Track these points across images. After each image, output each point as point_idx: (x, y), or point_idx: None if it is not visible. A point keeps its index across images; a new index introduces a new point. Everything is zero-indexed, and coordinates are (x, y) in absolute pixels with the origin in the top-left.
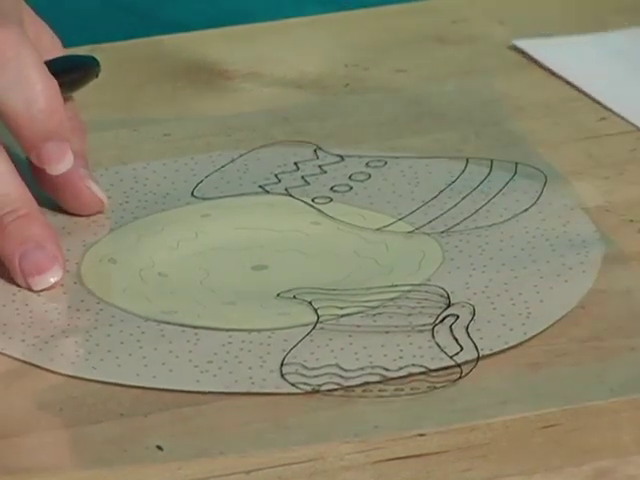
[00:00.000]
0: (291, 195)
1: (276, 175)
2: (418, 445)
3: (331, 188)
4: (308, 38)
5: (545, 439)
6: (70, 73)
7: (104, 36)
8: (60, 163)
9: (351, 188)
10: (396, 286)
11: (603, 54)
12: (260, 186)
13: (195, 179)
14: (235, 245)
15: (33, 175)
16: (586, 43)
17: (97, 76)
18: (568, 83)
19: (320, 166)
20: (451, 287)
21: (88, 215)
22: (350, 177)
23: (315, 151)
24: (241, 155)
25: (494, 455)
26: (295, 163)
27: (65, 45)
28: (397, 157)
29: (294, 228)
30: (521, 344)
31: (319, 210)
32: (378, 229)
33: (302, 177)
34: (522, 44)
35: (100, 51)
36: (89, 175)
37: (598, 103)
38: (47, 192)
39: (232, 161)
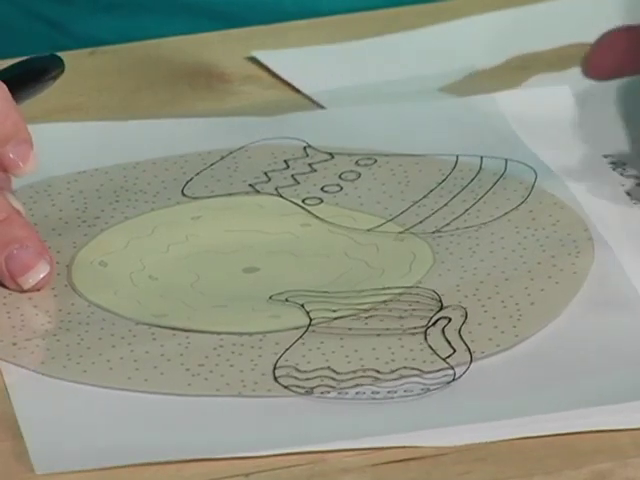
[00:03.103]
0: (281, 195)
1: (266, 173)
2: (417, 448)
3: (321, 188)
4: (307, 41)
5: (543, 442)
6: (23, 79)
7: (24, 49)
8: (25, 163)
9: (341, 188)
10: (388, 289)
11: (332, 64)
12: (250, 185)
13: (185, 177)
14: (226, 248)
15: None
16: (319, 53)
17: (62, 72)
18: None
19: (310, 164)
20: (442, 290)
21: None
22: (340, 176)
23: (305, 149)
24: (231, 152)
25: (493, 458)
26: (285, 161)
27: None
28: (387, 155)
29: (284, 230)
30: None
31: (309, 212)
32: (369, 230)
33: (292, 176)
34: (260, 55)
35: (99, 54)
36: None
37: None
38: None
39: (222, 159)
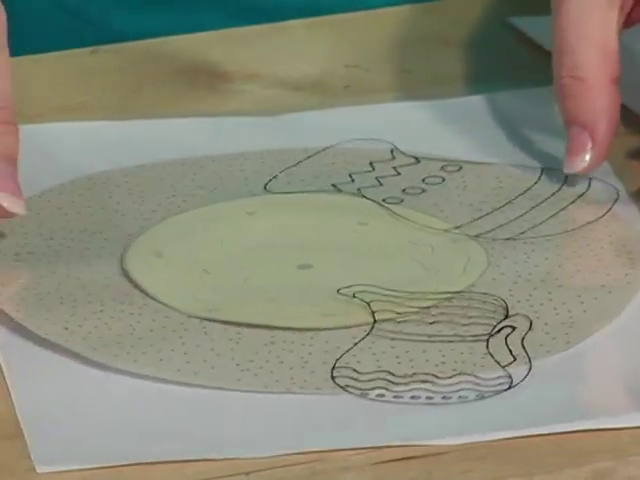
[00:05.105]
0: (364, 195)
1: (350, 175)
2: (418, 447)
3: (403, 190)
4: (308, 39)
5: (544, 440)
6: None
7: (55, 43)
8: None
9: (423, 191)
10: (458, 292)
11: None
12: (333, 185)
13: (243, 174)
14: (280, 243)
15: None
16: None
17: None
18: None
19: (395, 167)
20: (495, 294)
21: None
22: (424, 180)
23: (392, 152)
24: (317, 152)
25: (494, 456)
26: (371, 163)
27: (15, 52)
28: (473, 162)
29: (340, 228)
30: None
31: (389, 209)
32: (446, 230)
33: (376, 178)
34: (517, 22)
35: (100, 52)
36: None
37: None
38: None
39: (308, 157)
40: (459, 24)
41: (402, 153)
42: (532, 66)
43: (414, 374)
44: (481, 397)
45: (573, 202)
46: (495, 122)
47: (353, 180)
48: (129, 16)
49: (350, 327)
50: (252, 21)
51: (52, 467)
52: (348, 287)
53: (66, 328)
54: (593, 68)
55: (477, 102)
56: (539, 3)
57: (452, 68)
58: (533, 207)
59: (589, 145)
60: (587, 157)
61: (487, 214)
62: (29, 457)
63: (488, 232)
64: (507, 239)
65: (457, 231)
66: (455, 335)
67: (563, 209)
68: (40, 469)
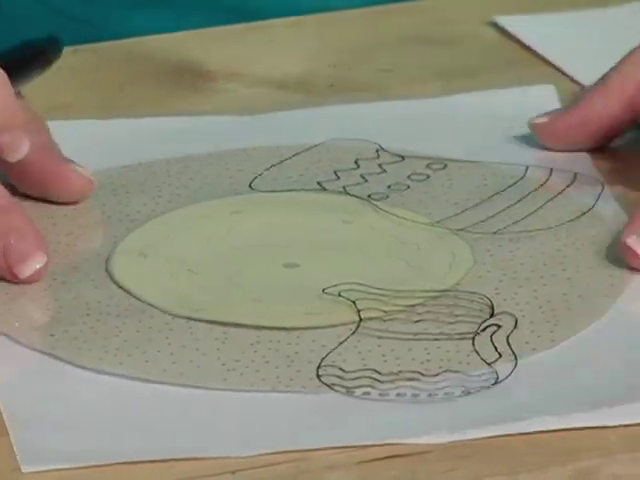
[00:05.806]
0: (348, 193)
1: (335, 172)
2: (402, 445)
3: (388, 186)
4: (292, 38)
5: (529, 438)
6: (22, 64)
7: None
8: (17, 151)
9: (408, 187)
10: (445, 291)
11: (582, 31)
12: (318, 182)
13: (228, 173)
14: (266, 242)
15: (10, 179)
16: (567, 20)
17: (61, 53)
18: (547, 63)
19: (380, 165)
20: (481, 292)
21: (78, 200)
22: (409, 177)
23: (377, 151)
24: (304, 150)
25: (478, 455)
26: (355, 161)
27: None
28: (458, 160)
29: (326, 226)
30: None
31: (376, 206)
32: (428, 224)
33: (361, 175)
34: (502, 20)
35: (81, 52)
36: (68, 159)
37: (576, 82)
38: (30, 191)
39: (294, 155)
40: (444, 23)
41: (387, 152)
42: (517, 65)
43: (400, 372)
44: (467, 393)
45: (555, 199)
46: (480, 121)
47: (338, 177)
48: (118, 16)
49: (336, 326)
50: (239, 22)
51: (38, 467)
52: (334, 286)
53: (52, 335)
54: (616, 81)
55: (462, 101)
56: (524, 2)
57: (437, 67)
58: (516, 202)
59: (561, 109)
60: (546, 115)
61: (469, 208)
62: (15, 456)
63: (472, 225)
64: (494, 233)
65: (440, 225)
66: (441, 333)
67: (546, 205)
68: (25, 469)
